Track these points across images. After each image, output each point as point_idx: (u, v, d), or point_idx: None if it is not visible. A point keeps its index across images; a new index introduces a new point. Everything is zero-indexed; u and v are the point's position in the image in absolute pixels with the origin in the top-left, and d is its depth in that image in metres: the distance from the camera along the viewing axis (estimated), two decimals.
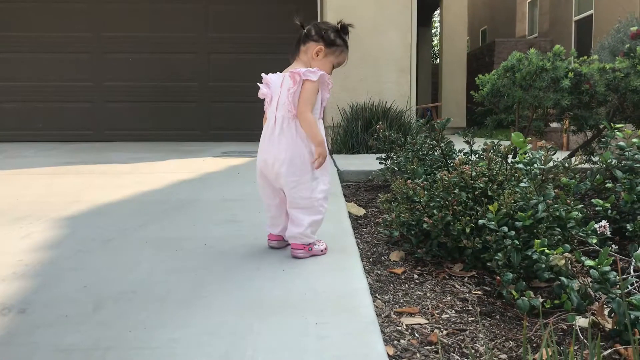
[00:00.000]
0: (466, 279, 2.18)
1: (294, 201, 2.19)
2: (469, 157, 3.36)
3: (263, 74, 2.25)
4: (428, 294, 2.04)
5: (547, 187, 2.10)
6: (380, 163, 3.99)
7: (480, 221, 2.06)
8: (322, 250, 2.25)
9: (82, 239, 2.51)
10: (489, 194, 2.33)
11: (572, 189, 2.59)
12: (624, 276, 1.90)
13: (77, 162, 5.10)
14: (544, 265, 1.82)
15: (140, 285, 1.92)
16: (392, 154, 3.95)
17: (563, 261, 1.69)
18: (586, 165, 3.99)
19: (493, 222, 2.01)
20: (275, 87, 2.21)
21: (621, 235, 2.47)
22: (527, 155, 2.15)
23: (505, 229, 1.99)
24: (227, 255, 2.24)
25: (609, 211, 2.43)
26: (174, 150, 6.38)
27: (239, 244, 2.39)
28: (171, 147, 6.80)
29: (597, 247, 2.05)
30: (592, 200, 2.45)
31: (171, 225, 2.73)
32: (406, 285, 2.13)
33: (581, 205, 2.31)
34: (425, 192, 2.47)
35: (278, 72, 2.25)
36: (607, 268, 1.59)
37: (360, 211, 3.26)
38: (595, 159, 3.99)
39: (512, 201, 2.17)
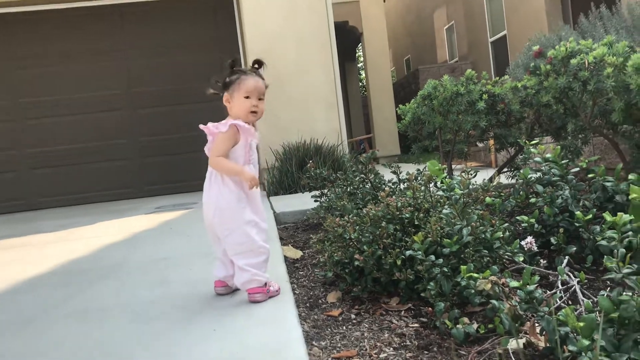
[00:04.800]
0: (403, 313, 2.16)
1: (233, 248, 2.20)
2: (398, 186, 3.40)
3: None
4: (365, 334, 2.00)
5: (469, 210, 2.12)
6: (316, 201, 3.97)
7: (408, 252, 2.05)
8: (276, 291, 2.25)
9: (0, 322, 2.34)
10: (416, 223, 2.34)
11: (497, 208, 2.64)
12: (552, 291, 1.92)
13: (1, 237, 4.84)
14: (473, 291, 1.82)
15: None
16: (326, 191, 3.95)
17: (489, 285, 1.69)
18: (514, 181, 4.12)
19: (420, 252, 2.01)
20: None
21: (549, 248, 2.52)
22: (446, 181, 2.17)
23: (433, 257, 1.99)
24: (156, 321, 2.13)
25: (535, 226, 2.48)
26: (106, 211, 6.17)
27: (169, 307, 2.28)
28: (104, 208, 6.58)
29: (526, 265, 2.07)
30: (517, 217, 2.50)
31: (97, 295, 2.59)
32: (344, 327, 2.08)
33: (506, 224, 2.35)
34: (357, 227, 2.46)
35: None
36: (532, 287, 1.60)
37: (297, 254, 3.21)
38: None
39: (439, 228, 2.18)
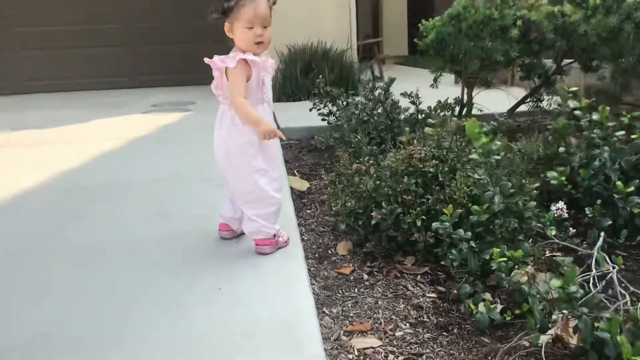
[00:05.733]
0: (419, 277, 2.03)
1: (241, 196, 2.05)
2: (416, 117, 3.16)
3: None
4: (380, 302, 1.87)
5: (503, 177, 1.92)
6: (323, 120, 3.73)
7: (434, 225, 1.88)
8: (285, 242, 2.12)
9: None
10: (440, 179, 2.14)
11: (525, 157, 2.46)
12: (584, 273, 1.77)
13: None
14: (503, 275, 1.66)
15: (53, 324, 1.65)
16: (335, 109, 3.68)
17: (525, 278, 1.54)
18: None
19: (448, 224, 1.83)
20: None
21: (576, 208, 2.35)
22: (484, 142, 1.94)
23: (461, 231, 1.81)
24: (156, 268, 1.99)
25: (564, 183, 2.29)
26: (100, 103, 5.88)
27: (169, 250, 2.13)
28: (97, 98, 6.27)
29: (558, 241, 1.92)
30: (548, 174, 2.31)
31: (92, 225, 2.42)
32: (356, 290, 1.96)
33: (537, 184, 2.17)
34: (373, 173, 2.27)
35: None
36: (574, 288, 1.45)
37: (304, 185, 3.03)
38: (544, 103, 3.88)
39: (465, 187, 1.99)
